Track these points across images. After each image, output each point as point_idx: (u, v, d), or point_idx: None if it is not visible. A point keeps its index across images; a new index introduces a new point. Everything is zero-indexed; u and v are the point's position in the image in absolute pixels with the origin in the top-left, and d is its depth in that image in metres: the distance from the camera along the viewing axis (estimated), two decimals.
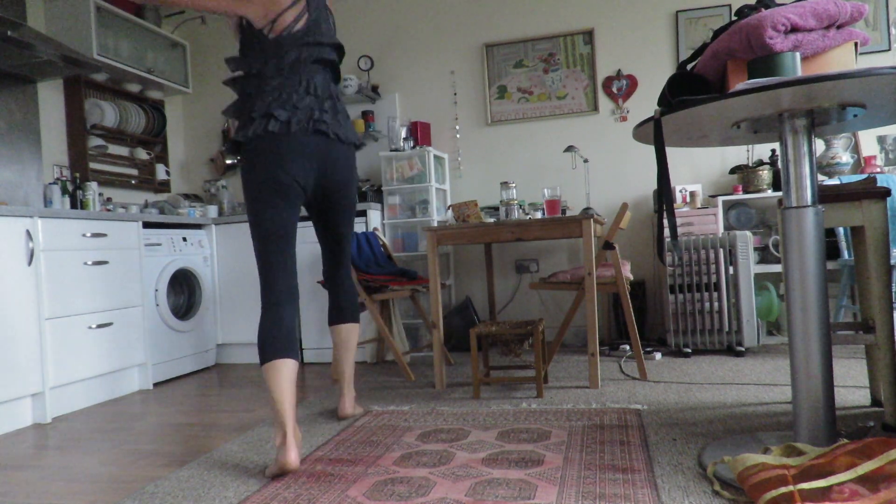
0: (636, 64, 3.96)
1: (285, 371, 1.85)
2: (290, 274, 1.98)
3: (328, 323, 2.40)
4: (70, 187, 3.53)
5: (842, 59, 1.53)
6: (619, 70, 3.98)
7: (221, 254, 3.92)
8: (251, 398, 2.91)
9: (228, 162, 4.53)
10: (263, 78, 1.99)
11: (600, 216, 3.11)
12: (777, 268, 3.54)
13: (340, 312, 2.37)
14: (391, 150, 3.96)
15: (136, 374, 3.28)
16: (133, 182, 4.10)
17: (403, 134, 3.93)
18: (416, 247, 3.96)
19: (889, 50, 3.63)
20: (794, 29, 1.47)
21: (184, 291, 3.77)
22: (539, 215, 3.33)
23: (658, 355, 3.29)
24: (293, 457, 1.78)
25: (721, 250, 3.25)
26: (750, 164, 3.69)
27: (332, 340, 2.61)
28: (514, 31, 4.13)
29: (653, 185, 3.97)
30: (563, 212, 3.40)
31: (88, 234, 2.98)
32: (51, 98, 3.62)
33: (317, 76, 2.05)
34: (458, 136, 4.23)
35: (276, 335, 1.89)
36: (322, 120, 2.02)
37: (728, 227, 3.76)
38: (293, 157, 1.96)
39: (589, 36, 4.00)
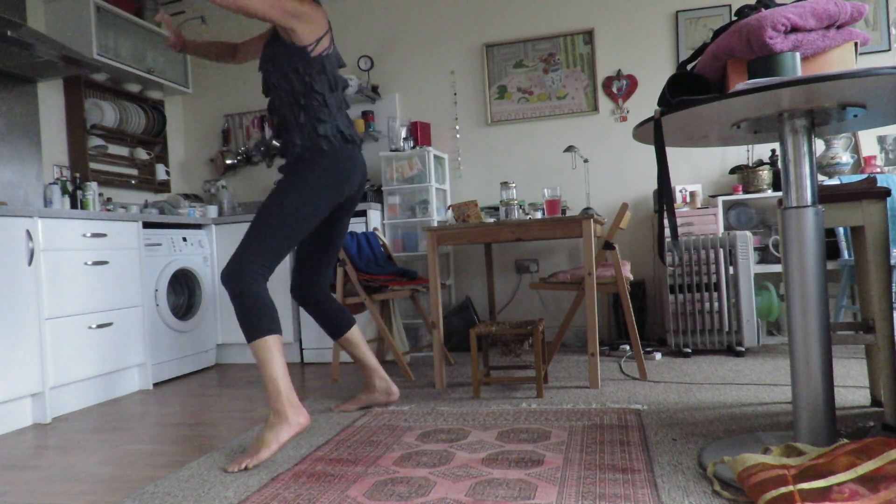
0: (636, 64, 3.96)
1: (280, 346, 2.04)
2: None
3: (333, 338, 2.49)
4: (70, 187, 3.53)
5: (842, 59, 1.53)
6: (619, 70, 3.98)
7: (221, 254, 3.92)
8: (251, 398, 2.91)
9: (228, 162, 4.53)
10: (314, 91, 2.15)
11: (600, 216, 3.11)
12: (777, 268, 3.54)
13: (338, 324, 2.45)
14: (391, 151, 3.96)
15: (136, 374, 3.28)
16: (133, 182, 4.10)
17: (403, 134, 3.93)
18: (416, 247, 3.96)
19: (889, 50, 3.63)
20: (794, 29, 1.47)
21: (184, 291, 3.77)
22: (539, 215, 3.33)
23: (658, 355, 3.29)
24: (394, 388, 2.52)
25: (721, 250, 3.25)
26: (750, 164, 3.69)
27: (342, 351, 2.79)
28: (514, 31, 4.13)
29: (653, 185, 3.97)
30: (563, 212, 3.40)
31: (88, 234, 2.98)
32: (51, 98, 3.62)
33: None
34: (458, 136, 4.23)
35: (273, 309, 2.02)
36: (359, 135, 2.32)
37: (728, 227, 3.76)
38: (357, 172, 2.25)
39: (589, 36, 4.00)
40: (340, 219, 2.39)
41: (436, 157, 3.98)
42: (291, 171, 2.17)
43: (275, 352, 1.96)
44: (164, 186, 4.32)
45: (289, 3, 2.02)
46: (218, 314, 3.92)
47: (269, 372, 1.94)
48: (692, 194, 3.67)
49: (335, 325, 2.45)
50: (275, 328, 1.98)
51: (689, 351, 3.30)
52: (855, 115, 1.56)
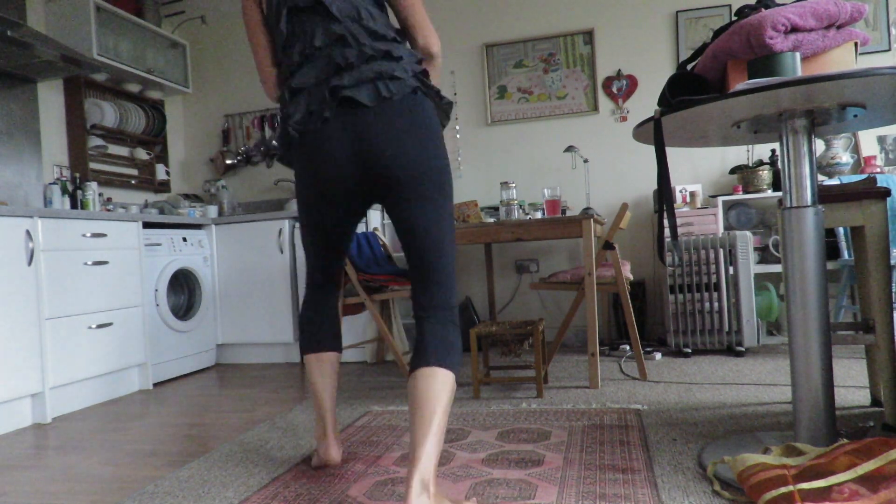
0: (636, 64, 3.96)
1: (317, 365, 1.85)
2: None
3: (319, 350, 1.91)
4: (70, 187, 3.53)
5: (842, 59, 1.53)
6: (619, 70, 3.97)
7: (221, 254, 3.92)
8: (251, 398, 2.91)
9: (228, 162, 4.53)
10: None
11: (600, 216, 3.11)
12: (777, 268, 3.54)
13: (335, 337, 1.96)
14: None
15: (136, 374, 3.28)
16: (133, 182, 4.10)
17: None
18: None
19: (889, 50, 3.63)
20: (794, 29, 1.47)
21: (184, 291, 3.77)
22: (539, 215, 3.33)
23: (658, 355, 3.29)
24: (334, 453, 1.82)
25: (721, 250, 3.25)
26: (750, 164, 3.69)
27: (344, 351, 2.09)
28: (514, 31, 4.13)
29: (653, 185, 3.97)
30: (563, 212, 3.40)
31: (88, 234, 2.98)
32: (51, 98, 3.62)
33: None
34: (458, 136, 4.23)
35: (307, 323, 1.87)
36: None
37: (728, 227, 3.76)
38: (331, 150, 1.81)
39: (589, 36, 4.00)
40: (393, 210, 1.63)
41: None
42: None
43: (310, 371, 1.84)
44: (164, 186, 4.32)
45: None
46: (218, 314, 3.92)
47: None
48: (692, 194, 3.67)
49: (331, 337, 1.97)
50: (305, 345, 1.84)
51: (689, 351, 3.30)
52: (855, 115, 1.56)
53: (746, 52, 1.52)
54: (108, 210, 3.71)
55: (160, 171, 4.27)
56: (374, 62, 1.57)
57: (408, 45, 1.71)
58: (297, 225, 3.85)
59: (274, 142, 4.29)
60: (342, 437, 2.14)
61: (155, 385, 3.38)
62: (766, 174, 3.53)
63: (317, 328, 1.85)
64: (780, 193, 3.48)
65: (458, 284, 4.21)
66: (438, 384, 1.42)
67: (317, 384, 1.82)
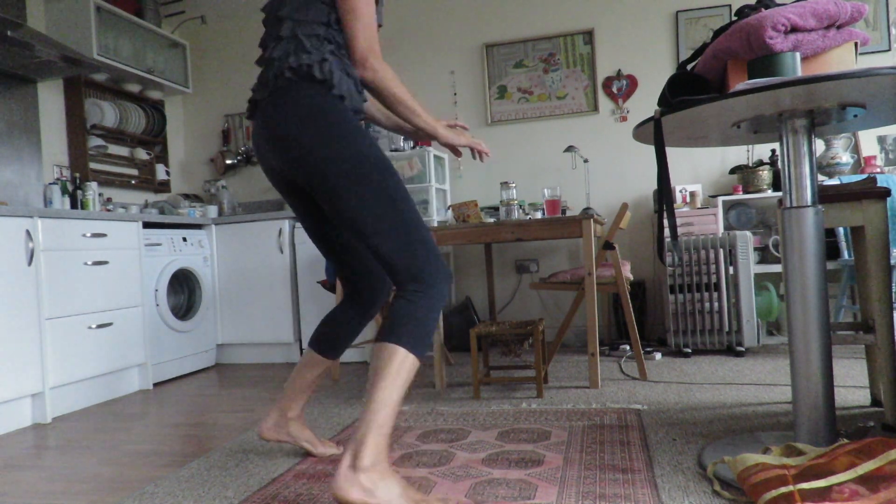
0: (636, 64, 3.96)
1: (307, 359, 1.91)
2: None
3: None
4: (70, 187, 3.53)
5: (842, 59, 1.53)
6: (619, 70, 3.97)
7: (221, 254, 3.92)
8: (251, 398, 2.91)
9: (228, 162, 4.53)
10: None
11: (600, 216, 3.11)
12: (777, 268, 3.53)
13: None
14: (391, 150, 3.95)
15: (136, 374, 3.28)
16: (133, 182, 4.10)
17: None
18: None
19: (889, 50, 3.63)
20: (794, 29, 1.47)
21: (184, 291, 3.77)
22: (539, 215, 3.33)
23: (658, 355, 3.29)
24: (264, 428, 1.91)
25: (721, 250, 3.25)
26: (750, 164, 3.69)
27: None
28: (514, 31, 4.13)
29: (653, 185, 3.97)
30: (563, 212, 3.40)
31: (88, 234, 2.98)
32: (51, 98, 3.62)
33: None
34: None
35: (322, 323, 1.92)
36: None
37: (728, 227, 3.76)
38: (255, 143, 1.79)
39: (589, 36, 4.00)
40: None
41: (436, 157, 3.98)
42: None
43: (302, 359, 1.91)
44: (164, 186, 4.32)
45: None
46: (218, 314, 3.92)
47: None
48: (692, 194, 3.67)
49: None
50: (312, 338, 1.90)
51: (689, 351, 3.30)
52: (855, 115, 1.56)
53: (746, 52, 1.52)
54: (108, 210, 3.71)
55: (160, 171, 4.27)
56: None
57: (316, 30, 1.57)
58: (298, 225, 3.85)
59: None
60: (342, 438, 2.14)
61: (155, 385, 3.38)
62: (766, 174, 3.53)
63: (329, 331, 1.88)
64: (780, 193, 3.48)
65: (458, 284, 4.24)
66: (381, 359, 1.42)
67: (298, 370, 1.91)
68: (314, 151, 1.49)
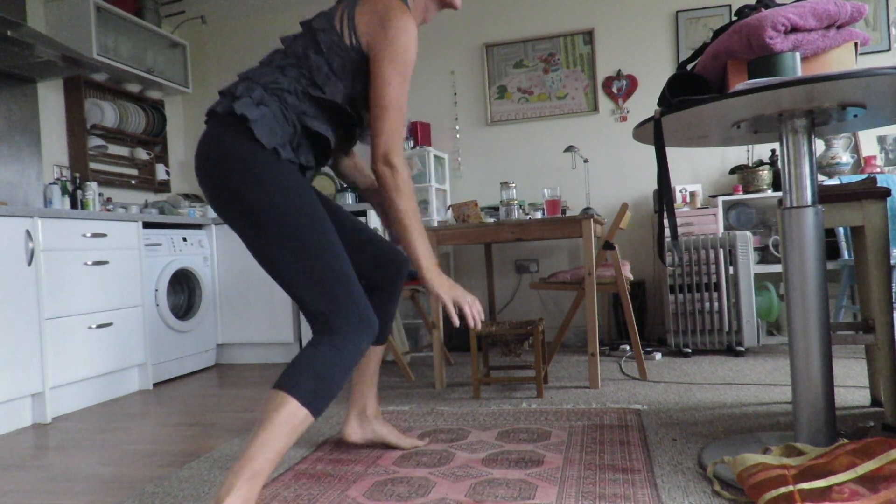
0: (636, 64, 3.96)
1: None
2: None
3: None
4: (70, 187, 3.53)
5: (842, 59, 1.53)
6: (619, 70, 3.97)
7: (221, 254, 3.92)
8: (251, 398, 2.91)
9: None
10: None
11: (600, 216, 3.11)
12: (777, 268, 3.53)
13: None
14: None
15: (136, 374, 3.28)
16: (133, 182, 4.10)
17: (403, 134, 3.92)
18: None
19: (889, 50, 3.63)
20: (794, 29, 1.47)
21: (184, 291, 3.77)
22: (539, 215, 3.33)
23: (658, 355, 3.29)
24: (348, 430, 1.97)
25: (721, 250, 3.25)
26: (750, 164, 3.69)
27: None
28: (514, 31, 4.13)
29: (653, 185, 3.97)
30: (563, 212, 3.40)
31: (88, 234, 2.98)
32: (51, 98, 3.62)
33: None
34: (458, 136, 4.23)
35: None
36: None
37: (728, 227, 3.76)
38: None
39: (589, 36, 4.00)
40: None
41: (436, 157, 3.98)
42: None
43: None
44: (164, 186, 4.32)
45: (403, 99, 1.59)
46: (218, 314, 3.92)
47: None
48: (692, 194, 3.67)
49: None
50: None
51: (689, 351, 3.30)
52: (855, 115, 1.56)
53: (746, 52, 1.52)
54: (108, 210, 3.71)
55: (160, 171, 4.27)
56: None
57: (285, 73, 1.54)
58: None
59: None
60: (341, 438, 2.14)
61: (155, 385, 3.38)
62: (766, 174, 3.53)
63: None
64: (780, 193, 3.48)
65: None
66: (271, 406, 1.36)
67: (356, 369, 1.96)
68: (228, 187, 1.47)
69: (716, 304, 3.25)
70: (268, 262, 1.48)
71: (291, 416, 1.35)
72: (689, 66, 1.77)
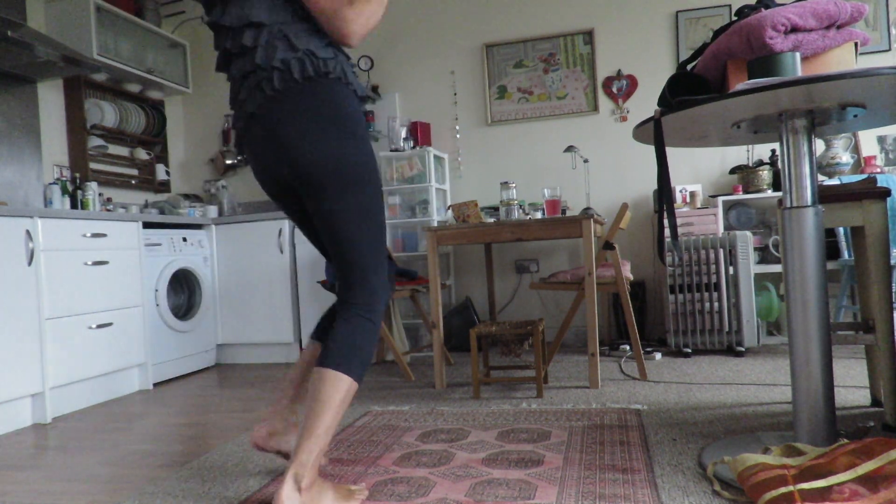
0: (636, 64, 3.96)
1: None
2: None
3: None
4: (70, 187, 3.53)
5: (842, 59, 1.53)
6: (619, 70, 3.97)
7: (221, 254, 3.92)
8: (251, 398, 2.91)
9: (228, 162, 4.53)
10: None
11: (600, 216, 3.11)
12: (777, 268, 3.53)
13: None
14: (391, 151, 3.96)
15: (136, 374, 3.28)
16: (133, 182, 4.10)
17: (403, 134, 3.93)
18: (416, 247, 3.96)
19: (889, 50, 3.63)
20: (794, 29, 1.47)
21: (184, 291, 3.77)
22: (539, 215, 3.33)
23: (658, 355, 3.29)
24: (255, 435, 1.73)
25: (721, 250, 3.25)
26: (750, 164, 3.69)
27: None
28: (514, 31, 4.13)
29: (653, 185, 3.97)
30: (563, 212, 3.40)
31: (88, 234, 2.98)
32: (51, 98, 3.62)
33: None
34: (458, 136, 4.23)
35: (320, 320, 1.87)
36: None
37: (728, 227, 3.75)
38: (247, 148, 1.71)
39: (589, 36, 4.00)
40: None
41: (436, 157, 3.98)
42: None
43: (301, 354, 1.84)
44: (164, 186, 4.32)
45: None
46: (218, 314, 3.92)
47: None
48: (692, 194, 3.67)
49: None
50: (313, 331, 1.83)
51: (689, 351, 3.30)
52: (855, 115, 1.56)
53: (746, 52, 1.52)
54: (108, 210, 3.71)
55: (160, 171, 4.27)
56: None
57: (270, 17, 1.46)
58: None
59: None
60: (342, 438, 2.14)
61: (155, 385, 3.38)
62: (766, 174, 3.53)
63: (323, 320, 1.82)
64: (780, 193, 3.48)
65: (458, 284, 4.23)
66: (329, 387, 1.41)
67: (308, 366, 1.79)
68: (328, 147, 1.44)
69: (716, 304, 3.25)
70: (355, 221, 1.48)
71: (349, 394, 1.44)
72: (689, 66, 1.77)
